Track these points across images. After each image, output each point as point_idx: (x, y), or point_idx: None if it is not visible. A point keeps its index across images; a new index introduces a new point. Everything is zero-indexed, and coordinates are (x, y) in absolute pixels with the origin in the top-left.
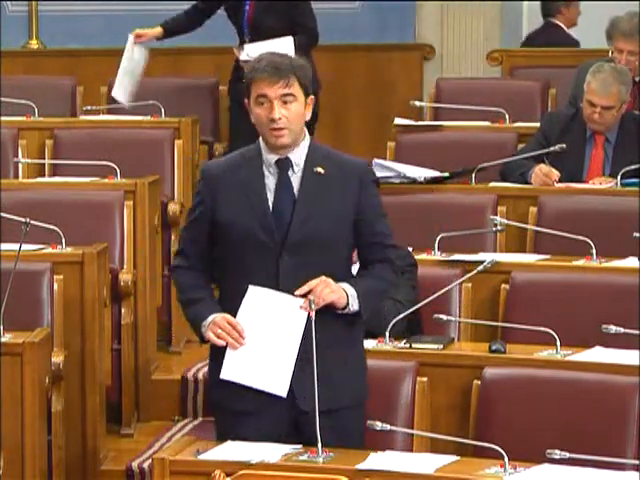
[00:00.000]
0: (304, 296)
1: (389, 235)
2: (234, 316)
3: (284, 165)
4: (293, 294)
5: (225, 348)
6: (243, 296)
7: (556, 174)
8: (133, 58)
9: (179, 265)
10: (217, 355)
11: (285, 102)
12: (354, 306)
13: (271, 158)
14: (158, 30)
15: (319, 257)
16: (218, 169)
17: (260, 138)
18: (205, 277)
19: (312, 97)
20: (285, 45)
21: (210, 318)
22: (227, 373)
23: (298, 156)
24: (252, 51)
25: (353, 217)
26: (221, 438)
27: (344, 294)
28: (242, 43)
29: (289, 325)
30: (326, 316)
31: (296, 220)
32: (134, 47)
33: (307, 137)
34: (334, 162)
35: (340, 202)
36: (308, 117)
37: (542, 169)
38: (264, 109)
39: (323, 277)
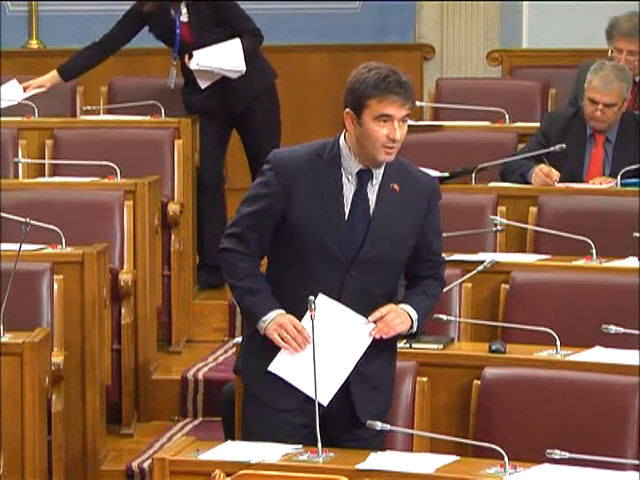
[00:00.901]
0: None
1: (441, 252)
2: (293, 315)
3: (365, 177)
4: (353, 308)
5: (272, 344)
6: (302, 299)
7: (556, 174)
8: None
9: (235, 249)
10: (257, 349)
11: (403, 122)
12: (414, 329)
13: (354, 167)
14: (52, 75)
15: (381, 274)
16: (294, 162)
17: (344, 141)
18: (259, 267)
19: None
20: (233, 48)
21: (272, 315)
22: (276, 367)
23: (378, 169)
24: (202, 58)
25: (417, 238)
26: (247, 429)
27: (410, 321)
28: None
29: (351, 343)
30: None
31: (370, 239)
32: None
33: None
34: (408, 178)
35: (410, 223)
36: None
37: (542, 169)
38: (384, 127)
39: (393, 306)
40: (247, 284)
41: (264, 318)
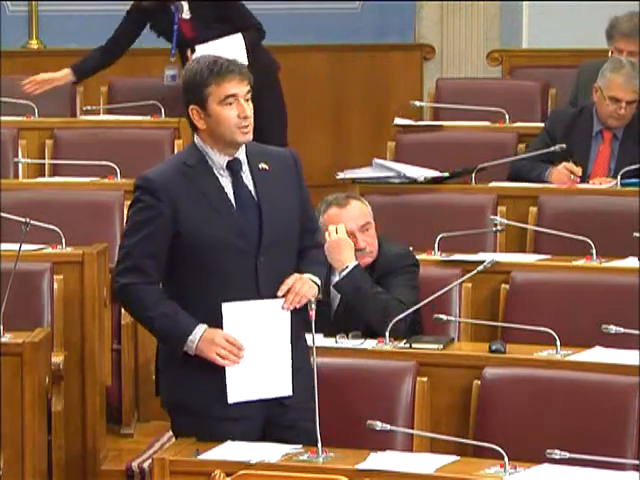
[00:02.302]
0: (283, 295)
1: (315, 218)
2: (217, 328)
3: (236, 166)
4: (272, 294)
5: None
6: (219, 305)
7: (579, 169)
8: None
9: (136, 282)
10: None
11: (247, 100)
12: (320, 294)
13: (221, 160)
14: (65, 73)
15: (286, 254)
16: (166, 178)
17: (200, 142)
18: (163, 291)
19: None
20: (236, 43)
21: (198, 331)
22: (234, 396)
23: (242, 155)
24: (205, 52)
25: (300, 208)
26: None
27: (315, 286)
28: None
29: (275, 327)
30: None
31: (266, 221)
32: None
33: None
34: (269, 155)
35: (290, 195)
36: None
37: (566, 166)
38: (231, 109)
39: (296, 275)
40: (161, 310)
41: (191, 338)
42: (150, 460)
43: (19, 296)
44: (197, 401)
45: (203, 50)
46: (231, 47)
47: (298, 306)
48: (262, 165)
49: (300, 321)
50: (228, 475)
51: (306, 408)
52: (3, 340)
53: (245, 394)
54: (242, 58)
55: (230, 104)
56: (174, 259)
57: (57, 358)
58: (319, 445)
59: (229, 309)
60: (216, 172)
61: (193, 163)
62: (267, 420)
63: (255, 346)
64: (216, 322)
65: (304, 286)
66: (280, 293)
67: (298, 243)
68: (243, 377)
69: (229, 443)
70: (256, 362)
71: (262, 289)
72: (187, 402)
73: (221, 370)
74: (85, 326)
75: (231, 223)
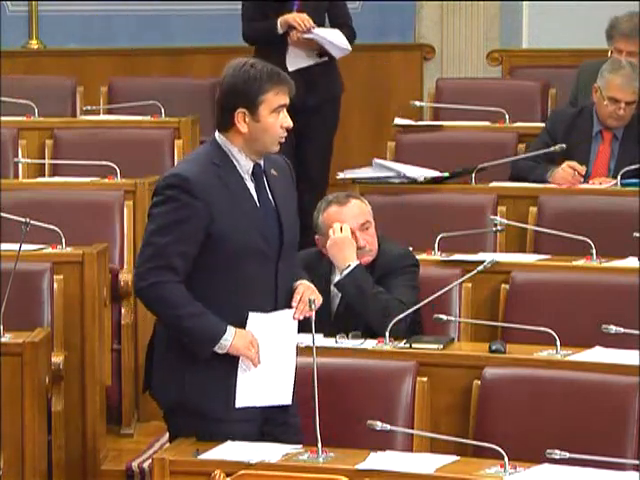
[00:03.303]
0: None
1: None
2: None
3: (259, 171)
4: (285, 299)
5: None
6: (240, 308)
7: (583, 168)
8: None
9: (166, 280)
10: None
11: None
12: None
13: (248, 165)
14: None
15: (294, 259)
16: (200, 177)
17: (227, 143)
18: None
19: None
20: (338, 33)
21: (231, 331)
22: (242, 401)
23: (262, 162)
24: (318, 31)
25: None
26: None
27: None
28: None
29: (285, 337)
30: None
31: (285, 226)
32: None
33: None
34: (274, 163)
35: (293, 202)
36: None
37: (569, 164)
38: (277, 118)
39: (304, 282)
40: (191, 309)
41: (226, 336)
42: (150, 460)
43: (19, 296)
44: (199, 402)
45: (322, 32)
46: (336, 34)
47: (308, 315)
48: (273, 172)
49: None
50: (228, 475)
51: (296, 404)
52: (3, 340)
53: (251, 400)
54: (347, 44)
55: (278, 113)
56: (200, 260)
57: (57, 358)
58: (319, 445)
59: (254, 319)
60: (242, 175)
61: (220, 163)
62: (265, 420)
63: (267, 355)
64: (237, 325)
65: (312, 294)
66: (294, 303)
67: None
68: (252, 384)
69: (229, 443)
70: (266, 370)
71: (279, 294)
72: (188, 403)
73: (225, 372)
74: (85, 326)
75: (258, 227)
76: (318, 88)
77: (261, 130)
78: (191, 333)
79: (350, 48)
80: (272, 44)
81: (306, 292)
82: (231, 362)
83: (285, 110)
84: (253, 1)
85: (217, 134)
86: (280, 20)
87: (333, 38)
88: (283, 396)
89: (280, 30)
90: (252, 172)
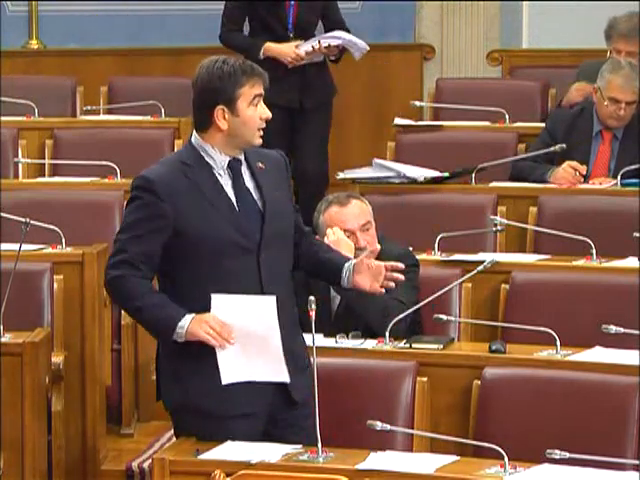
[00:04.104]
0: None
1: (298, 210)
2: None
3: (237, 165)
4: (275, 291)
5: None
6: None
7: (583, 167)
8: None
9: (127, 274)
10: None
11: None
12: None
13: (223, 160)
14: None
15: (285, 251)
16: (166, 176)
17: (200, 141)
18: (153, 286)
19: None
20: (351, 36)
21: (188, 318)
22: (227, 377)
23: (241, 155)
24: (329, 39)
25: (292, 207)
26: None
27: None
28: (281, 40)
29: (262, 319)
30: (287, 301)
31: (267, 217)
32: None
33: None
34: (262, 156)
35: (285, 194)
36: None
37: (570, 164)
38: (255, 110)
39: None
40: (150, 300)
41: (181, 323)
42: (150, 460)
43: (19, 296)
44: (199, 400)
45: (341, 34)
46: (356, 38)
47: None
48: (259, 165)
49: (294, 318)
50: (228, 475)
51: (310, 407)
52: (3, 340)
53: (239, 375)
54: (364, 43)
55: (255, 105)
56: (175, 257)
57: (57, 358)
58: (319, 445)
59: (218, 300)
60: (215, 172)
61: (191, 162)
62: (270, 418)
63: (244, 334)
64: None
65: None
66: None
67: (294, 239)
68: (235, 359)
69: (229, 443)
70: (247, 347)
71: (265, 286)
72: (189, 402)
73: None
74: (85, 326)
75: (232, 221)
76: (313, 90)
77: (241, 124)
78: (150, 324)
79: (368, 47)
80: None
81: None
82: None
83: (262, 101)
84: (240, 1)
85: (194, 134)
86: (266, 48)
87: (353, 39)
88: (276, 373)
89: (262, 57)
90: (229, 166)
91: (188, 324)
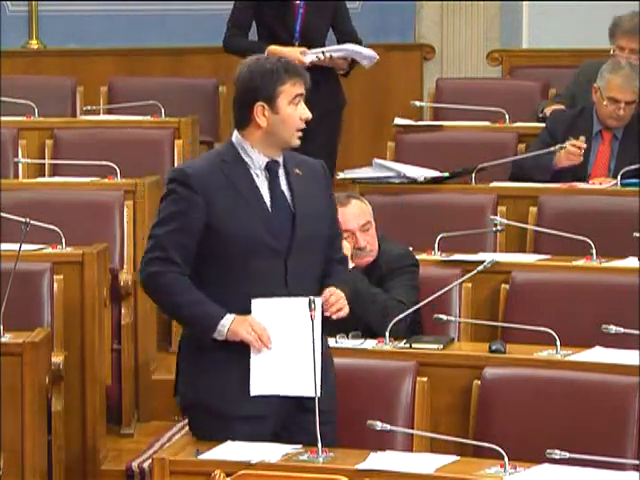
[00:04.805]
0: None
1: (340, 234)
2: None
3: (274, 167)
4: (299, 295)
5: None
6: (249, 303)
7: (582, 141)
8: None
9: (164, 270)
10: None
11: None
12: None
13: (262, 160)
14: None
15: (314, 258)
16: (202, 171)
17: (240, 139)
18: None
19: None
20: (359, 47)
21: (229, 317)
22: (257, 388)
23: (280, 158)
24: (336, 50)
25: (329, 217)
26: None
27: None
28: (286, 44)
29: (299, 326)
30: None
31: (298, 222)
32: None
33: None
34: (301, 163)
35: (321, 202)
36: None
37: (571, 144)
38: (295, 109)
39: (333, 289)
40: (190, 297)
41: (223, 322)
42: (150, 460)
43: (19, 296)
44: (210, 400)
45: (349, 47)
46: (364, 48)
47: (329, 314)
48: (297, 170)
49: (324, 328)
50: (228, 475)
51: (327, 413)
52: (3, 340)
53: (268, 388)
54: (373, 52)
55: (296, 104)
56: (204, 253)
57: (57, 358)
58: (319, 445)
59: (258, 305)
60: (252, 172)
61: (229, 160)
62: (282, 421)
63: (280, 343)
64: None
65: (343, 305)
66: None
67: (326, 251)
68: (267, 371)
69: (229, 443)
70: (280, 358)
71: (291, 290)
72: (200, 401)
73: (239, 368)
74: (85, 326)
75: (263, 222)
76: (319, 98)
77: (280, 122)
78: (190, 320)
79: (377, 56)
80: None
81: (340, 301)
82: (246, 365)
83: (303, 102)
84: (247, 4)
85: (234, 133)
86: (269, 51)
87: (360, 49)
88: (303, 387)
89: None
90: (267, 167)
91: (230, 323)
